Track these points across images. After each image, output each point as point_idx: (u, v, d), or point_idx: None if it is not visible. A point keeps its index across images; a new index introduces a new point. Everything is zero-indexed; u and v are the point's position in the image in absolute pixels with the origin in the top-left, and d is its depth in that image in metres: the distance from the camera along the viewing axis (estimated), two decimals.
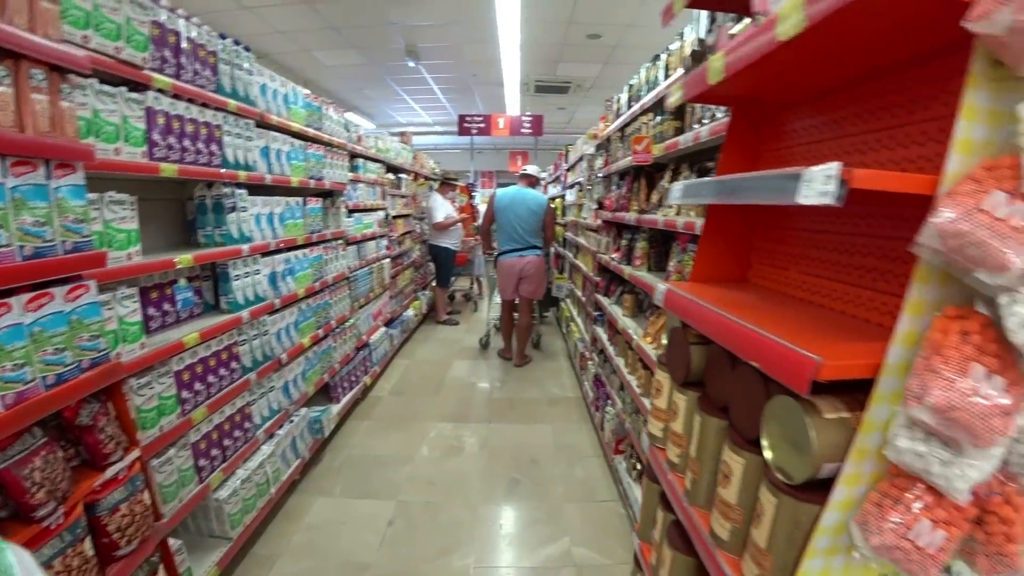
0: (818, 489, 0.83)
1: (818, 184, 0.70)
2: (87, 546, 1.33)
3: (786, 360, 0.81)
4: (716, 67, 1.11)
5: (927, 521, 0.70)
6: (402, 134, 8.00)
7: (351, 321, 4.00)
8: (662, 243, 2.78)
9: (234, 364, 2.34)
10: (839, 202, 0.67)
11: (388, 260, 5.29)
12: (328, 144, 3.60)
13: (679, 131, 2.31)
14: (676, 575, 1.32)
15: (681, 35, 2.34)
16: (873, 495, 0.76)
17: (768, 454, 0.94)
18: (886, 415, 0.76)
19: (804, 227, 1.34)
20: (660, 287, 1.42)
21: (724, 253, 1.55)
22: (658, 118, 2.53)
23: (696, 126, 2.03)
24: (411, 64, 8.06)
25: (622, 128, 3.23)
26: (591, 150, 4.48)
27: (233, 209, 2.33)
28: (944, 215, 0.65)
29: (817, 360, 0.75)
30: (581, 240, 4.77)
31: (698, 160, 2.32)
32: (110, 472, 1.46)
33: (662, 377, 1.47)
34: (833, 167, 0.68)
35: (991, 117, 0.70)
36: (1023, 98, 0.66)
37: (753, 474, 0.99)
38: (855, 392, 0.83)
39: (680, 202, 1.38)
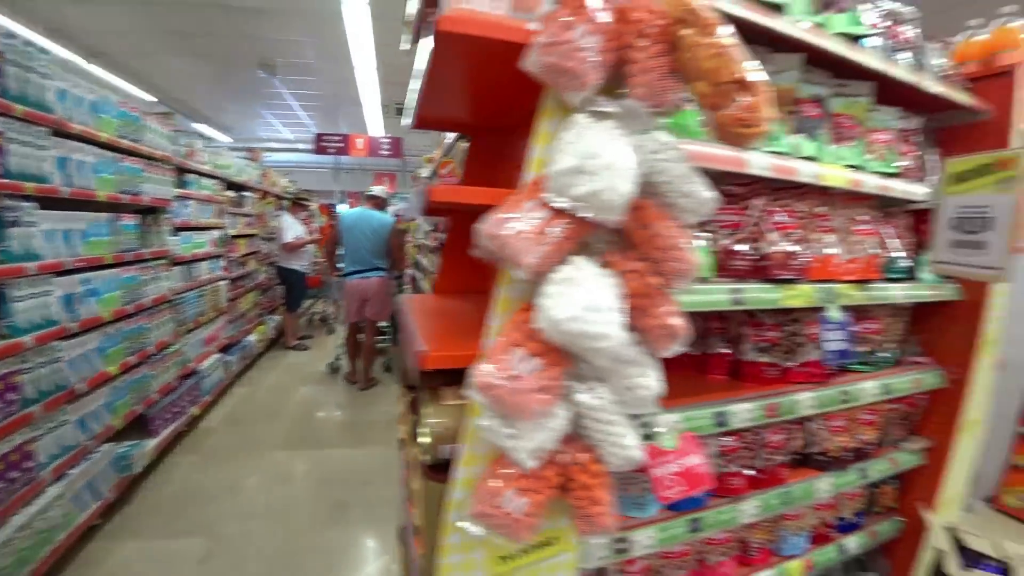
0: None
1: (421, 199, 0.88)
2: None
3: (414, 353, 0.98)
4: (412, 98, 1.33)
5: (512, 490, 0.81)
6: (250, 150, 7.62)
7: (175, 347, 3.71)
8: None
9: (12, 395, 2.09)
10: (424, 214, 0.87)
11: (225, 282, 4.97)
12: (148, 157, 3.36)
13: None
14: (402, 566, 1.44)
15: None
16: (485, 471, 0.88)
17: (422, 440, 1.08)
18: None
19: None
20: (401, 297, 1.58)
21: (463, 266, 1.70)
22: (466, 143, 2.75)
23: None
24: (264, 76, 7.72)
25: (446, 152, 3.46)
26: (427, 174, 4.68)
27: (15, 223, 2.11)
28: (487, 222, 0.79)
29: (423, 351, 0.92)
30: (424, 261, 4.92)
31: None
32: None
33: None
34: (423, 186, 0.88)
35: None
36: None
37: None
38: None
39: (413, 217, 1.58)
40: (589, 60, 0.75)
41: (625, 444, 0.85)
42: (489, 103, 1.33)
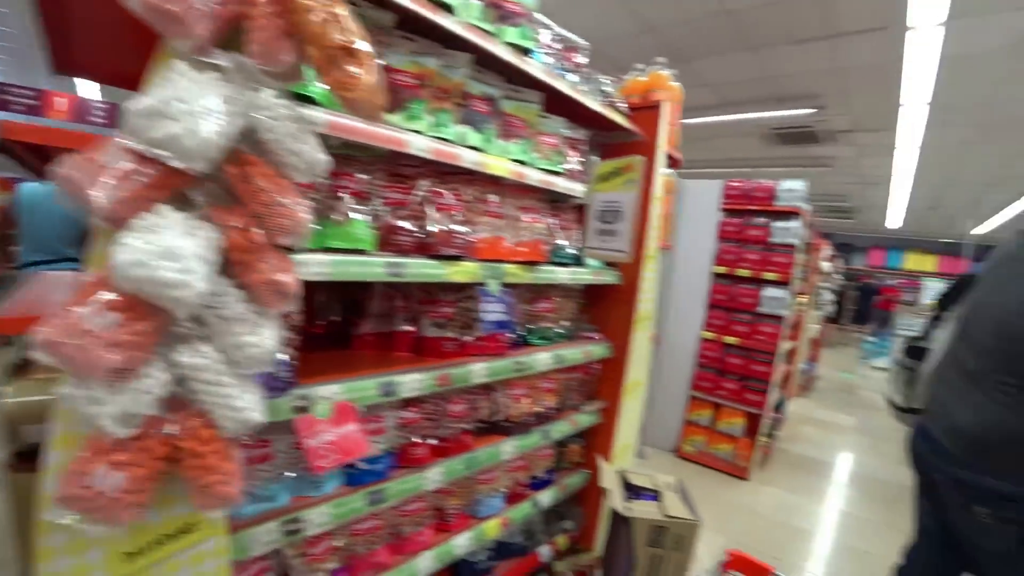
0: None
1: None
2: None
3: None
4: None
5: (104, 465, 0.71)
6: None
7: None
8: None
9: None
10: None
11: None
12: None
13: None
14: None
15: None
16: (80, 450, 0.75)
17: None
18: None
19: None
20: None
21: None
22: None
23: None
24: None
25: None
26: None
27: None
28: (64, 164, 0.73)
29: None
30: None
31: None
32: None
33: None
34: None
35: None
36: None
37: None
38: None
39: None
40: (195, 8, 0.73)
41: (239, 406, 0.81)
42: (134, 49, 1.18)
